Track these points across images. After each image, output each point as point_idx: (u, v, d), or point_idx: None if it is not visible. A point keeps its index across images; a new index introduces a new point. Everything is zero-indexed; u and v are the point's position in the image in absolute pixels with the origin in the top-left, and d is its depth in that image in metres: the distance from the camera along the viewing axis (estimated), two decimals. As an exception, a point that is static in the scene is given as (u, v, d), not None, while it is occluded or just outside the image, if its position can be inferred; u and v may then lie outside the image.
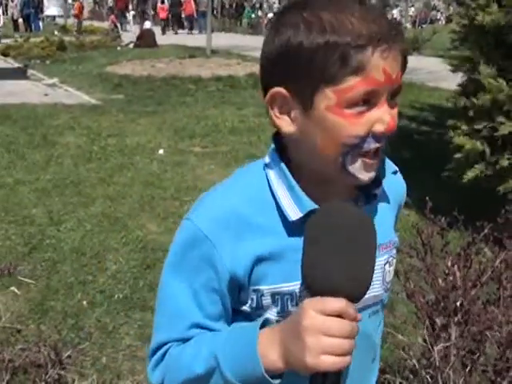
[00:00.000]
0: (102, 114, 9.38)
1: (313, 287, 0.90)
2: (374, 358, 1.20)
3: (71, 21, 28.25)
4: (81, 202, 5.48)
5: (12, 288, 3.83)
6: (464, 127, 4.72)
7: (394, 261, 1.15)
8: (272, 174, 1.05)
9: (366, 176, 0.99)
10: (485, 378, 2.30)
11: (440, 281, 2.34)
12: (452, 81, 5.53)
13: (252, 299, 1.04)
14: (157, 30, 23.16)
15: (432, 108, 10.22)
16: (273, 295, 1.03)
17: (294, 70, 0.96)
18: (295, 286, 1.02)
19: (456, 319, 2.23)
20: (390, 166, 1.15)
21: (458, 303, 2.25)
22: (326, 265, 0.88)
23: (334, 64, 0.93)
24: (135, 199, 5.62)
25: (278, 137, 1.05)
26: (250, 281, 1.02)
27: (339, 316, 0.88)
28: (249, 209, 1.03)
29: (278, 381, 0.95)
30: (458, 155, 4.73)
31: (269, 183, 1.04)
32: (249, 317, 1.06)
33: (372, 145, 0.97)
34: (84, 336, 3.34)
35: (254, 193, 1.05)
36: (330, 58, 0.93)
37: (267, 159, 1.07)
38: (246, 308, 1.05)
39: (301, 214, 1.00)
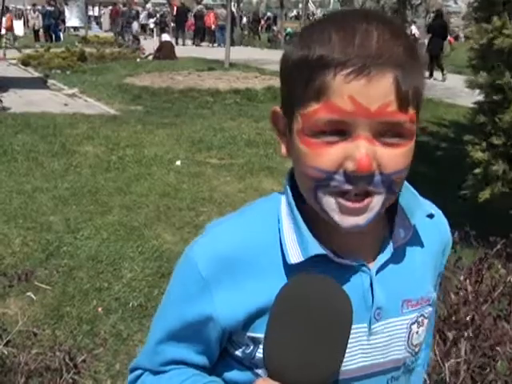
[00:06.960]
0: (120, 124, 9.46)
1: (266, 365, 0.83)
2: None
3: (91, 32, 28.43)
4: (98, 211, 5.53)
5: (29, 293, 3.87)
6: (483, 143, 4.74)
7: (427, 321, 0.99)
8: (284, 209, 0.93)
9: (344, 221, 0.84)
10: (495, 393, 2.31)
11: (452, 295, 2.36)
12: (468, 97, 5.54)
13: (247, 345, 0.94)
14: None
15: (450, 124, 10.22)
16: None
17: (281, 86, 0.90)
18: None
19: (467, 334, 2.24)
20: (423, 207, 0.96)
21: (469, 318, 2.26)
22: (280, 348, 0.80)
23: (300, 84, 0.83)
24: (151, 209, 5.67)
25: None
26: (246, 327, 0.92)
27: None
28: (251, 249, 0.92)
29: None
30: (476, 171, 4.74)
31: (279, 220, 0.93)
32: (241, 363, 0.96)
33: (344, 185, 0.82)
34: (98, 342, 3.37)
35: (260, 231, 0.93)
36: (298, 77, 0.84)
37: (284, 190, 0.95)
38: (238, 353, 0.96)
39: (302, 258, 0.88)
